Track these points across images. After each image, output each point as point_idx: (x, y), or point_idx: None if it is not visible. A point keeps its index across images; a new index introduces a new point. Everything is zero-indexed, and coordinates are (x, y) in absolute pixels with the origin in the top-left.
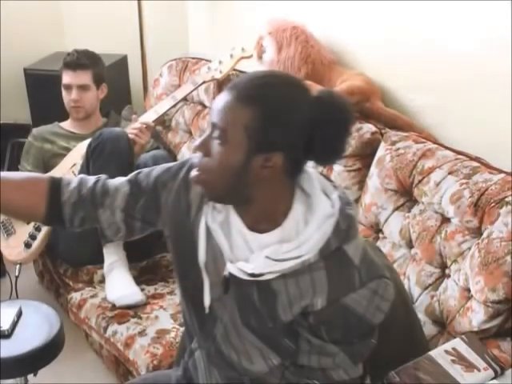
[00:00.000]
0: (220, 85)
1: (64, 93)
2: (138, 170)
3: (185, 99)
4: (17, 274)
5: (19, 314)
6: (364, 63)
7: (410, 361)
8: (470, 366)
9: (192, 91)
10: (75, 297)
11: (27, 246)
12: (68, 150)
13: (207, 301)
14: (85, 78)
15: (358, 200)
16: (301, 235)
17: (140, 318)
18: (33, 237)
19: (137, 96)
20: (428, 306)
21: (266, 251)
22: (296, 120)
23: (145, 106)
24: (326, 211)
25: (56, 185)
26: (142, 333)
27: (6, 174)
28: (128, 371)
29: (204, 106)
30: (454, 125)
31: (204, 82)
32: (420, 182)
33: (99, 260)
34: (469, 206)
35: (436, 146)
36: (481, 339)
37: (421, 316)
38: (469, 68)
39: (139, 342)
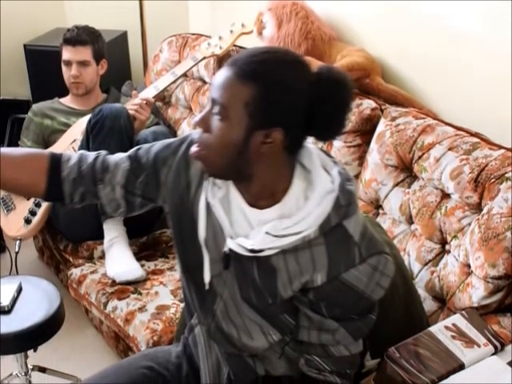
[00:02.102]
0: (220, 61)
1: (64, 69)
2: (138, 146)
3: (185, 75)
4: (17, 249)
5: (19, 290)
6: (364, 39)
7: (409, 337)
8: (469, 342)
9: (192, 67)
10: (75, 272)
11: (27, 221)
12: (68, 125)
13: (207, 277)
14: (85, 53)
15: (358, 176)
16: (301, 211)
17: (140, 293)
18: (33, 213)
19: (137, 72)
20: (428, 281)
21: (265, 227)
22: (296, 96)
23: (145, 82)
24: (326, 187)
25: (56, 161)
26: (141, 309)
27: (5, 150)
28: (128, 347)
29: (204, 82)
30: (454, 100)
31: (204, 58)
32: (420, 157)
33: (99, 236)
34: (469, 182)
35: (436, 121)
36: (481, 315)
37: (421, 292)
38: (469, 44)
39: (139, 318)
